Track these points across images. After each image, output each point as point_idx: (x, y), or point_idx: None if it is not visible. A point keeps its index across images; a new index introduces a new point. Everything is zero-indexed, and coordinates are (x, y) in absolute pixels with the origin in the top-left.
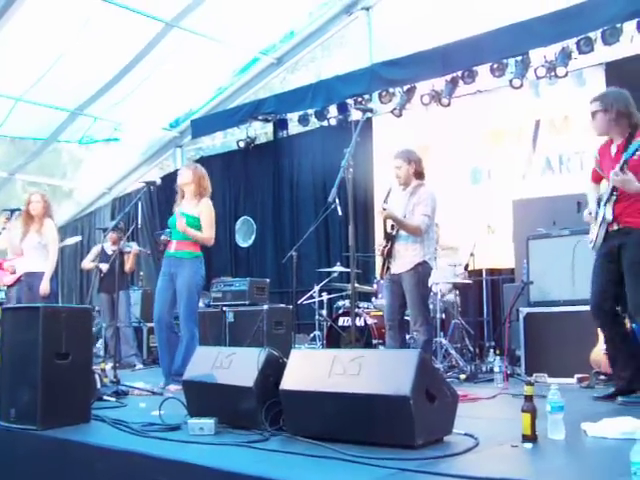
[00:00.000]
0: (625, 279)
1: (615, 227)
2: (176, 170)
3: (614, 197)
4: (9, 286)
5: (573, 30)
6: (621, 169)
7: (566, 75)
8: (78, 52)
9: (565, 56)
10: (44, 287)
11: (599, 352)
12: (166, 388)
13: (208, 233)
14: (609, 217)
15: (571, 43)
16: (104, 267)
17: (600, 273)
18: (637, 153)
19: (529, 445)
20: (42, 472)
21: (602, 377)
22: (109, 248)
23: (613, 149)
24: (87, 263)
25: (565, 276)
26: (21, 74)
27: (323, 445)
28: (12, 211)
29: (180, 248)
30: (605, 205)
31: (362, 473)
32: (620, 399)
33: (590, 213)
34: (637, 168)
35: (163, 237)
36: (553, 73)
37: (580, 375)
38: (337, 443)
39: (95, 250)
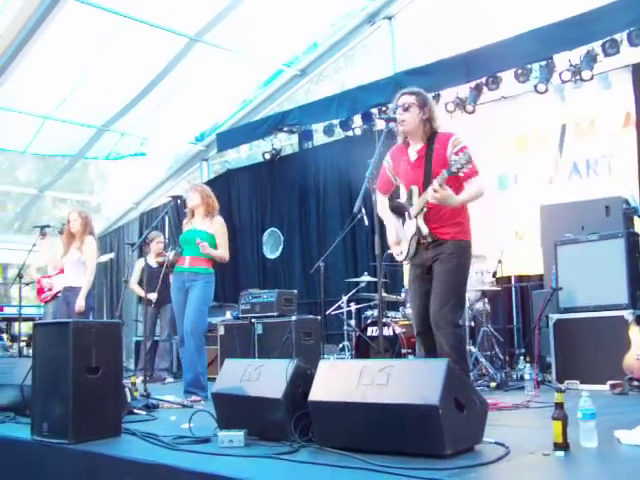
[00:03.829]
0: (433, 286)
1: (429, 239)
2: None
3: (424, 210)
4: (46, 302)
5: (598, 32)
6: (440, 185)
7: (592, 78)
8: (104, 69)
9: (590, 59)
10: (79, 304)
11: (632, 358)
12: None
13: (223, 251)
14: (425, 231)
15: (596, 46)
16: (153, 297)
17: (419, 287)
18: (463, 170)
19: (561, 453)
20: None
21: (635, 383)
22: (152, 261)
23: (412, 154)
24: (136, 286)
25: (594, 281)
26: (48, 93)
27: (352, 456)
28: (42, 227)
29: (195, 264)
30: (416, 218)
31: None
32: None
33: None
34: (448, 181)
35: (174, 254)
36: (578, 77)
37: (613, 381)
38: (366, 454)
39: (139, 267)
